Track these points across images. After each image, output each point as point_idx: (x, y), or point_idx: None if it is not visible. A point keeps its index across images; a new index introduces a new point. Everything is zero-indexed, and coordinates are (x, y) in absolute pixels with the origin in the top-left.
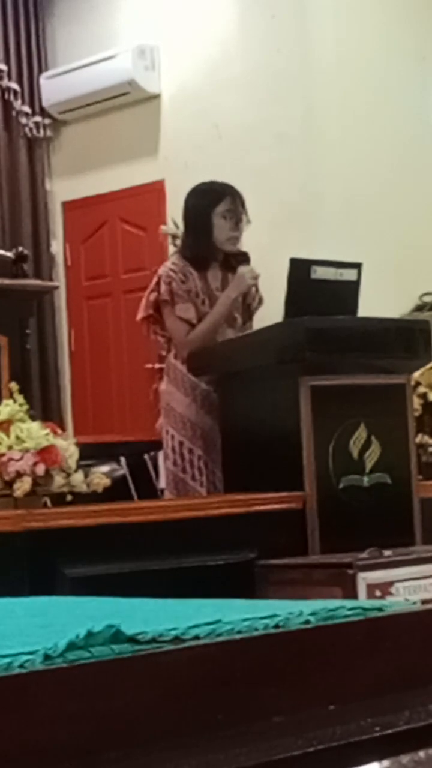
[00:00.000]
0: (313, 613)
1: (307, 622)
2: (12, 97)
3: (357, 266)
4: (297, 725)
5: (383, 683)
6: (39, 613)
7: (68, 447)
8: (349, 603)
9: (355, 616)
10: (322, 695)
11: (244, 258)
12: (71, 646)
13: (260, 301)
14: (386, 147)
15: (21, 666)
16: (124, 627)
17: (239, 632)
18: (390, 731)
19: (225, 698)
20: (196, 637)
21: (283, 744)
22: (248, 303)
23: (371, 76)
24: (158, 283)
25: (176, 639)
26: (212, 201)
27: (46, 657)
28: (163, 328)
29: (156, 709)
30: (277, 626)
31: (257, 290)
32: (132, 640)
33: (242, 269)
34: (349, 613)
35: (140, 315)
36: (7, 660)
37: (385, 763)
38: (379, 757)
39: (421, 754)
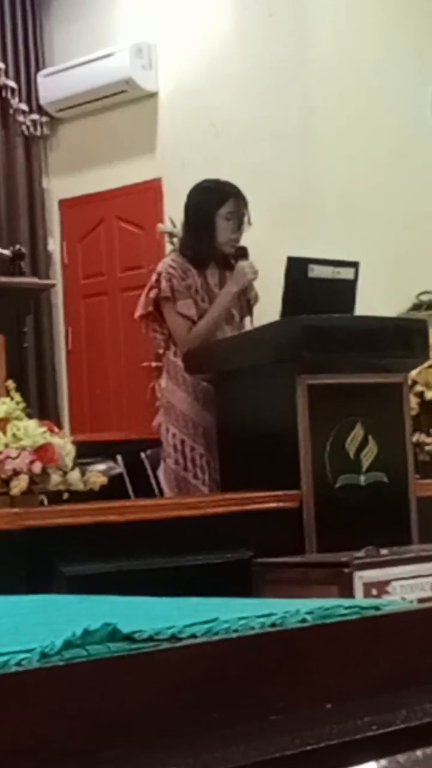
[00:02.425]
0: (309, 612)
1: (304, 620)
2: (9, 95)
3: (354, 265)
4: (294, 724)
5: (380, 682)
6: (36, 612)
7: (65, 445)
8: (345, 602)
9: (352, 615)
10: (319, 694)
11: (243, 253)
12: (68, 645)
13: (256, 298)
14: (384, 145)
15: (18, 664)
16: (121, 625)
17: (236, 631)
18: (387, 730)
19: (221, 696)
20: (193, 636)
21: (280, 742)
22: (247, 298)
23: (369, 75)
24: (158, 280)
25: (173, 637)
26: (217, 201)
27: (43, 655)
28: (161, 325)
29: (152, 708)
30: (273, 625)
31: (253, 287)
32: (129, 638)
33: (242, 264)
34: (345, 611)
35: (139, 312)
36: (4, 658)
37: (383, 761)
38: (376, 756)
39: (419, 753)
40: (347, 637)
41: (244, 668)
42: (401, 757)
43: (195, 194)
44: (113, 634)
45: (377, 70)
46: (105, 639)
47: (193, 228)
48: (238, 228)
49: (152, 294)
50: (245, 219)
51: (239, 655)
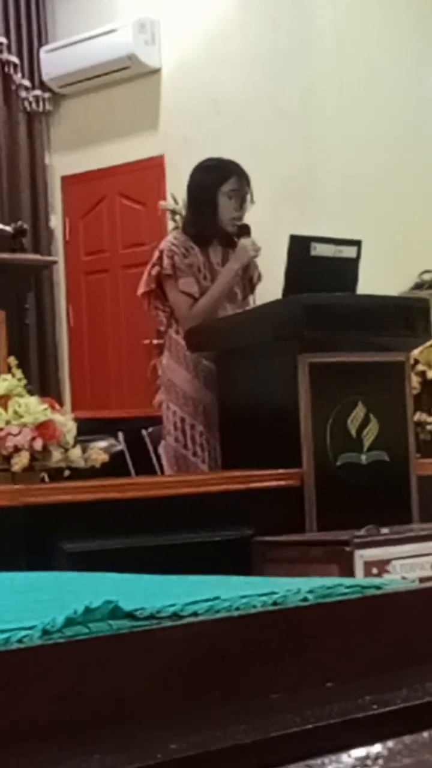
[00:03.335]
0: (311, 591)
1: (305, 599)
2: (12, 71)
3: (357, 243)
4: (295, 703)
5: (381, 661)
6: (37, 589)
7: (66, 422)
8: (347, 581)
9: (353, 594)
10: (320, 673)
11: (245, 230)
12: (69, 622)
13: (259, 278)
14: (386, 124)
15: (19, 641)
16: (123, 603)
17: (237, 609)
18: (388, 709)
19: (223, 675)
20: (194, 614)
21: (281, 721)
22: (250, 275)
23: (371, 54)
24: (160, 258)
25: (174, 615)
26: (219, 179)
27: (45, 632)
28: (163, 303)
29: (153, 685)
30: (275, 603)
31: (256, 265)
32: (130, 616)
33: (244, 241)
34: (347, 591)
35: (141, 290)
36: (5, 635)
37: (389, 742)
38: (376, 735)
39: (425, 734)
40: (348, 616)
41: (246, 647)
42: (407, 739)
43: (197, 173)
44: (115, 612)
45: (380, 49)
46: (106, 616)
47: (196, 206)
48: (241, 206)
49: (154, 271)
50: (248, 197)
51: (241, 633)
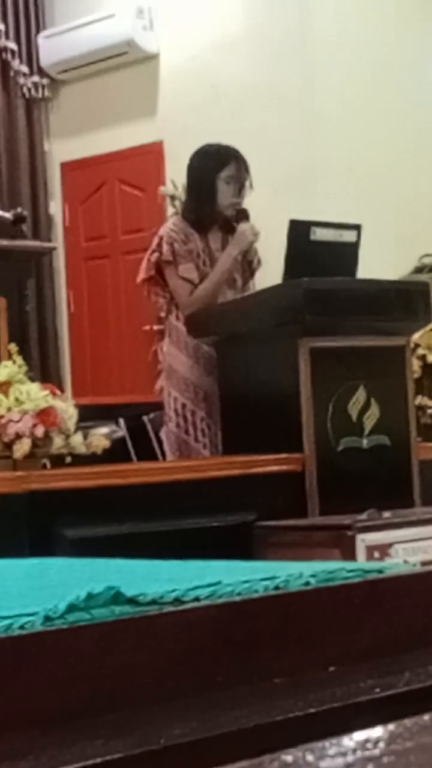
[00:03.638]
0: (313, 575)
1: (308, 583)
2: (10, 57)
3: (357, 228)
4: (297, 687)
5: (383, 645)
6: (39, 575)
7: (67, 409)
8: (349, 565)
9: (356, 578)
10: (323, 657)
11: (243, 215)
12: (72, 608)
13: (258, 262)
14: (387, 109)
15: (21, 627)
16: (125, 588)
17: (239, 594)
18: (390, 692)
19: (225, 660)
20: (197, 599)
21: (284, 706)
22: (249, 260)
23: (373, 39)
24: (159, 244)
25: (176, 601)
26: (217, 165)
27: (47, 618)
28: (163, 289)
29: (156, 671)
30: (277, 588)
31: (256, 251)
32: (132, 601)
33: (243, 226)
34: (349, 574)
35: (141, 276)
36: (7, 621)
37: (390, 726)
38: (379, 719)
39: (426, 717)
40: (350, 601)
41: (248, 631)
42: (408, 722)
43: (196, 158)
44: (117, 598)
45: (382, 33)
46: (108, 602)
47: (195, 192)
48: (239, 192)
49: (154, 258)
50: (246, 183)
51: (243, 618)
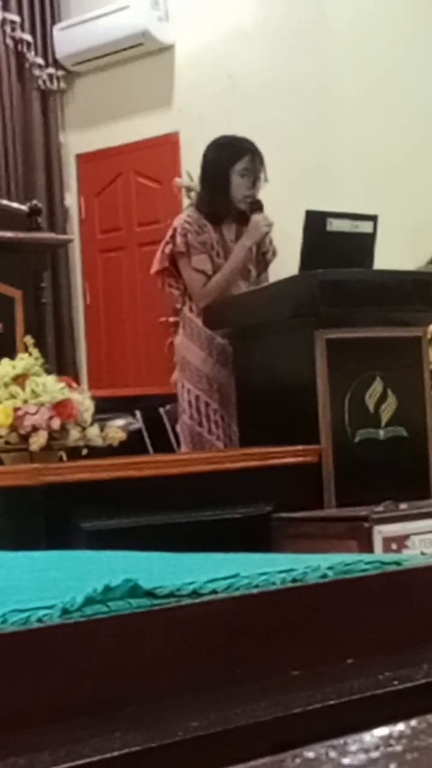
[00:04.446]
0: (330, 567)
1: (325, 576)
2: (25, 49)
3: (373, 218)
4: (315, 679)
5: (401, 637)
6: (56, 567)
7: (84, 401)
8: (366, 557)
9: (373, 570)
10: (340, 649)
11: (257, 206)
12: (89, 601)
13: (274, 253)
14: (403, 101)
15: (39, 620)
16: (142, 581)
17: (257, 586)
18: (408, 685)
19: (243, 652)
20: (214, 591)
21: (301, 698)
22: (263, 251)
23: (388, 30)
24: (173, 236)
25: (194, 593)
26: (232, 157)
27: (64, 611)
28: (177, 280)
29: (174, 663)
30: (294, 580)
31: (271, 241)
32: (150, 594)
33: (256, 217)
34: (366, 566)
35: (155, 268)
36: (25, 614)
37: (406, 718)
38: (397, 711)
39: None
40: (368, 593)
41: (265, 624)
42: (431, 717)
43: (211, 150)
44: (134, 590)
45: (398, 27)
46: (126, 595)
47: (209, 185)
48: (254, 185)
49: (167, 249)
50: (261, 176)
51: (260, 610)
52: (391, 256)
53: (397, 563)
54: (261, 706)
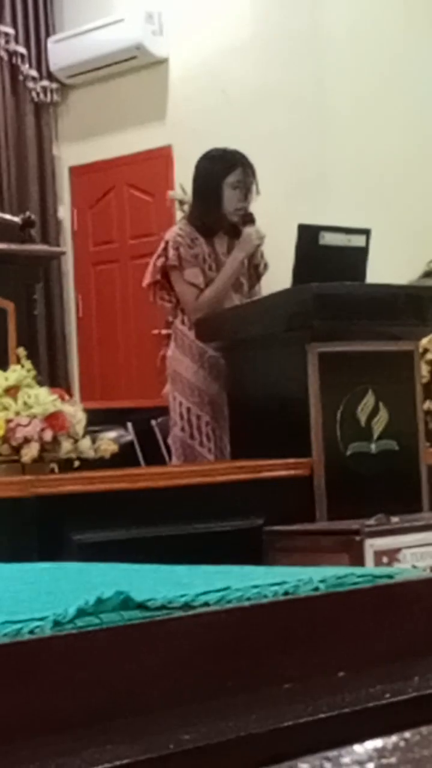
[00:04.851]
0: (322, 581)
1: (317, 589)
2: (19, 61)
3: (366, 232)
4: (307, 692)
5: (393, 650)
6: (48, 580)
7: (76, 413)
8: (358, 570)
9: (365, 584)
10: (332, 662)
11: (249, 218)
12: (81, 613)
13: (265, 267)
14: (397, 113)
15: (31, 632)
16: (134, 593)
17: (248, 599)
18: (399, 698)
19: (234, 665)
20: (206, 604)
21: (293, 711)
22: (255, 264)
23: (384, 43)
24: (165, 249)
25: (186, 606)
26: (223, 170)
27: (56, 623)
28: (169, 293)
29: (166, 676)
30: (286, 593)
31: (262, 254)
32: (141, 606)
33: (248, 230)
34: (358, 580)
35: (147, 280)
36: (17, 626)
37: (399, 731)
38: (389, 724)
39: None
40: (360, 606)
41: (258, 637)
42: (425, 729)
43: (202, 163)
44: (126, 603)
45: (392, 38)
46: (118, 607)
47: (201, 197)
48: (245, 197)
49: (159, 262)
50: (253, 188)
51: (252, 623)
52: (384, 269)
53: (389, 576)
54: (253, 718)
